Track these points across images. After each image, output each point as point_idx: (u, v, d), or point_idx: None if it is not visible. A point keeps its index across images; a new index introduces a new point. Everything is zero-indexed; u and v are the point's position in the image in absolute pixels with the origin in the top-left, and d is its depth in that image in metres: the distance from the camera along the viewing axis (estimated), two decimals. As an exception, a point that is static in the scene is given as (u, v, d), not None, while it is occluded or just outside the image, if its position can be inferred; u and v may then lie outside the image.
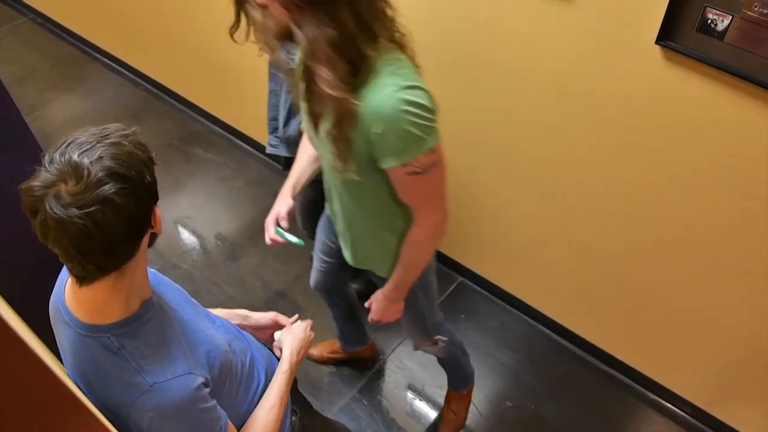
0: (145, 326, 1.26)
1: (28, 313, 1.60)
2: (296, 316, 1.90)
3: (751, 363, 2.42)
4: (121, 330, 1.23)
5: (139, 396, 1.20)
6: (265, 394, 1.60)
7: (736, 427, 2.70)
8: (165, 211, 3.70)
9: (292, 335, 1.76)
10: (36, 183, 1.07)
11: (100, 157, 1.08)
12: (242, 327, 1.79)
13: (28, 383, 0.84)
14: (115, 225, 1.08)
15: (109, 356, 1.21)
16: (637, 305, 2.64)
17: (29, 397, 0.84)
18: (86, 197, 1.05)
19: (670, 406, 2.87)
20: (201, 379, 1.29)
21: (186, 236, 3.63)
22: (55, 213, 1.04)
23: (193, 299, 1.56)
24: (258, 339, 1.81)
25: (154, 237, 1.25)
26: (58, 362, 1.47)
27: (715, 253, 2.24)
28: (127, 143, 1.13)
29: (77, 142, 1.11)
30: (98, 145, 1.10)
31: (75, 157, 1.07)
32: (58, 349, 1.40)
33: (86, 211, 1.04)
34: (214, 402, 1.33)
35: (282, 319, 1.86)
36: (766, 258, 2.11)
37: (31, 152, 1.83)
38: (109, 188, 1.06)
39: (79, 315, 1.23)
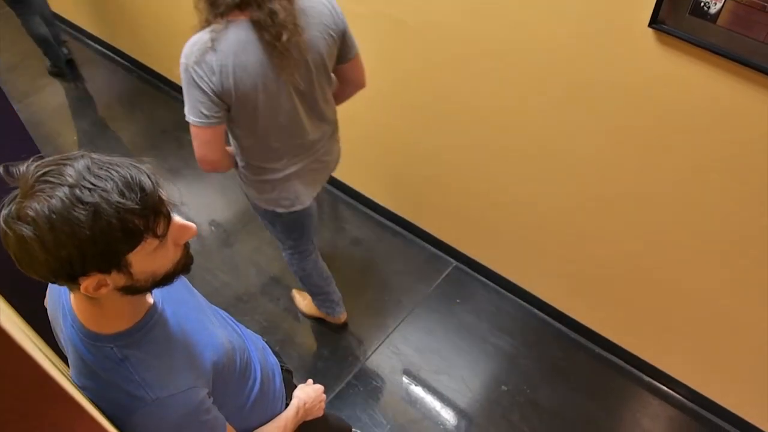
0: (149, 335, 1.23)
1: (23, 304, 1.59)
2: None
3: (742, 344, 2.43)
4: (125, 341, 1.19)
5: (140, 408, 1.18)
6: (266, 426, 1.66)
7: (728, 407, 2.72)
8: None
9: (305, 392, 1.84)
10: (20, 173, 1.01)
11: (47, 199, 0.97)
12: None
13: (14, 377, 0.83)
14: (22, 255, 1.01)
15: (111, 365, 1.18)
16: (631, 289, 2.64)
17: (15, 390, 0.84)
18: (17, 217, 0.98)
19: (664, 388, 2.89)
20: (205, 391, 1.28)
21: (180, 223, 3.61)
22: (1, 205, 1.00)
23: (192, 288, 1.54)
24: None
25: (131, 291, 1.14)
26: (51, 352, 1.47)
27: (708, 237, 2.24)
28: (91, 211, 0.98)
29: (60, 171, 1.00)
30: (62, 189, 0.98)
31: (34, 179, 0.99)
32: (48, 338, 1.39)
33: (5, 228, 0.98)
34: (214, 411, 1.32)
35: None
36: (757, 239, 2.12)
37: (20, 139, 1.83)
38: (23, 228, 0.97)
39: (83, 320, 1.20)
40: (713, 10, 1.73)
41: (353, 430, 2.64)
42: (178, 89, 4.30)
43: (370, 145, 3.25)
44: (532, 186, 2.64)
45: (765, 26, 1.67)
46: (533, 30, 2.17)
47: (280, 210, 2.33)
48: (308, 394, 1.82)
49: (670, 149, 2.11)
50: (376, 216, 3.60)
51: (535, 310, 3.18)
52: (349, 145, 3.38)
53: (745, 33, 1.72)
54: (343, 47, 2.08)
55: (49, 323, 1.37)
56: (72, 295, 1.22)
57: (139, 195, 1.02)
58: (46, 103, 4.48)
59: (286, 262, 2.78)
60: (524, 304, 3.21)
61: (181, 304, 1.38)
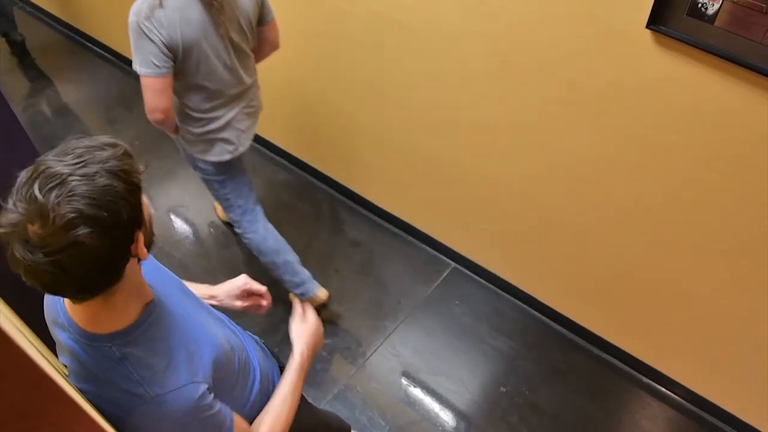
0: (148, 332, 1.23)
1: (22, 306, 1.59)
2: (264, 288, 1.81)
3: (741, 345, 2.43)
4: (124, 339, 1.19)
5: (140, 405, 1.18)
6: (278, 386, 1.60)
7: (727, 408, 2.71)
8: (158, 200, 3.69)
9: (305, 330, 1.75)
10: (3, 221, 0.98)
11: (71, 195, 0.98)
12: (216, 306, 1.72)
13: (13, 378, 0.83)
14: (86, 266, 1.02)
15: (110, 365, 1.18)
16: (630, 290, 2.64)
17: (13, 390, 0.84)
18: (54, 242, 0.97)
19: (663, 389, 2.89)
20: (204, 387, 1.27)
21: (179, 225, 3.62)
22: (23, 258, 0.98)
23: (188, 289, 1.53)
24: (234, 309, 1.78)
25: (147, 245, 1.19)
26: (51, 354, 1.46)
27: (708, 237, 2.24)
28: (105, 173, 1.02)
29: (48, 173, 1.00)
30: (70, 178, 0.99)
31: (40, 195, 0.97)
32: (47, 341, 1.38)
33: (53, 258, 0.97)
34: (218, 407, 1.31)
35: (254, 286, 1.79)
36: (757, 239, 2.12)
37: (19, 142, 1.82)
38: (78, 232, 0.98)
39: (79, 322, 1.20)
40: (711, 11, 1.74)
41: (352, 431, 2.64)
42: (177, 91, 4.31)
43: (367, 146, 3.25)
44: (530, 187, 2.64)
45: (763, 27, 1.68)
46: (531, 30, 2.17)
47: (227, 156, 2.61)
48: (305, 334, 1.74)
49: (669, 150, 2.11)
50: (375, 218, 3.60)
51: (534, 312, 3.18)
52: (347, 145, 3.39)
53: (743, 34, 1.72)
54: (263, 10, 2.41)
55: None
56: (65, 300, 1.22)
57: (113, 148, 1.07)
58: (45, 105, 4.47)
59: (241, 235, 2.95)
60: (523, 305, 3.21)
61: (178, 306, 1.38)
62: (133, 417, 1.18)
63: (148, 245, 1.19)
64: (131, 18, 2.14)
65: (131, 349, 1.20)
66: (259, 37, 2.49)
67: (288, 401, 1.57)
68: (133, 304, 1.22)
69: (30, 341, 1.23)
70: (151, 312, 1.25)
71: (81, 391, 1.20)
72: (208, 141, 2.56)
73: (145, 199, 1.16)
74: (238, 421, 1.40)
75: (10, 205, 0.99)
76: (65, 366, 1.28)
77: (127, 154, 1.08)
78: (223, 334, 1.45)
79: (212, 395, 1.30)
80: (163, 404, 1.19)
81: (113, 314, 1.19)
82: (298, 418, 1.77)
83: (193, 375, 1.26)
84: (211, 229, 3.59)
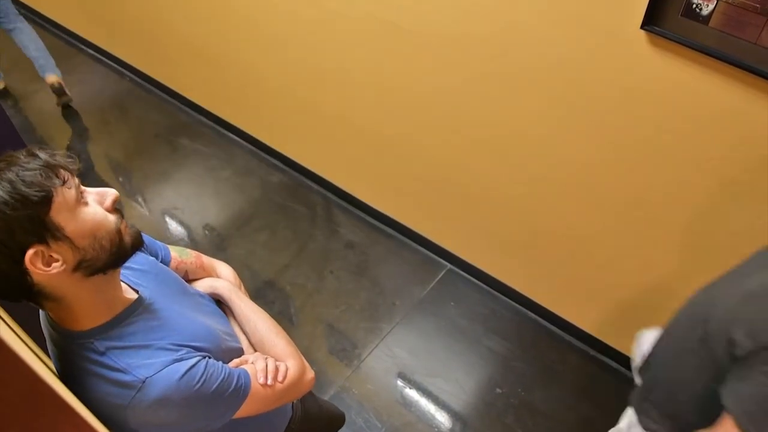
0: (131, 326, 1.22)
1: (19, 307, 1.59)
2: None
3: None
4: (104, 333, 1.19)
5: (134, 394, 1.15)
6: (236, 312, 1.56)
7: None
8: (152, 202, 3.69)
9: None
10: None
11: None
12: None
13: (7, 383, 0.83)
14: None
15: (94, 359, 1.17)
16: (626, 291, 2.65)
17: (12, 397, 0.83)
18: None
19: (658, 390, 2.89)
20: (195, 358, 1.24)
21: (174, 227, 3.62)
22: None
23: (191, 290, 1.52)
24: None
25: (88, 267, 1.13)
26: (47, 357, 1.46)
27: (705, 239, 2.24)
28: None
29: None
30: None
31: None
32: (44, 344, 1.38)
33: None
34: (217, 371, 1.26)
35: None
36: (754, 240, 2.12)
37: (12, 145, 1.82)
38: None
39: (58, 321, 1.20)
40: (705, 11, 1.74)
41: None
42: (172, 93, 4.31)
43: (362, 147, 3.25)
44: (526, 188, 2.64)
45: (757, 27, 1.68)
46: (525, 32, 2.17)
47: None
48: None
49: (664, 150, 2.12)
50: (370, 219, 3.60)
51: (530, 313, 3.18)
52: (343, 147, 3.39)
53: (738, 34, 1.73)
54: None
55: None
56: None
57: (35, 157, 1.07)
58: (38, 107, 4.46)
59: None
60: (518, 306, 3.21)
61: (173, 302, 1.37)
62: (131, 411, 1.16)
63: (89, 266, 1.14)
64: None
65: (113, 342, 1.19)
66: None
67: (259, 313, 1.56)
68: (108, 301, 1.21)
69: (26, 344, 1.23)
70: (136, 308, 1.25)
71: (70, 390, 1.19)
72: None
73: (89, 212, 1.12)
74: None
75: None
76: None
77: (39, 170, 1.06)
78: (223, 329, 1.45)
79: (210, 360, 1.27)
80: (155, 386, 1.17)
81: (84, 313, 1.18)
82: (305, 398, 1.76)
83: (182, 354, 1.24)
84: (206, 232, 3.58)
